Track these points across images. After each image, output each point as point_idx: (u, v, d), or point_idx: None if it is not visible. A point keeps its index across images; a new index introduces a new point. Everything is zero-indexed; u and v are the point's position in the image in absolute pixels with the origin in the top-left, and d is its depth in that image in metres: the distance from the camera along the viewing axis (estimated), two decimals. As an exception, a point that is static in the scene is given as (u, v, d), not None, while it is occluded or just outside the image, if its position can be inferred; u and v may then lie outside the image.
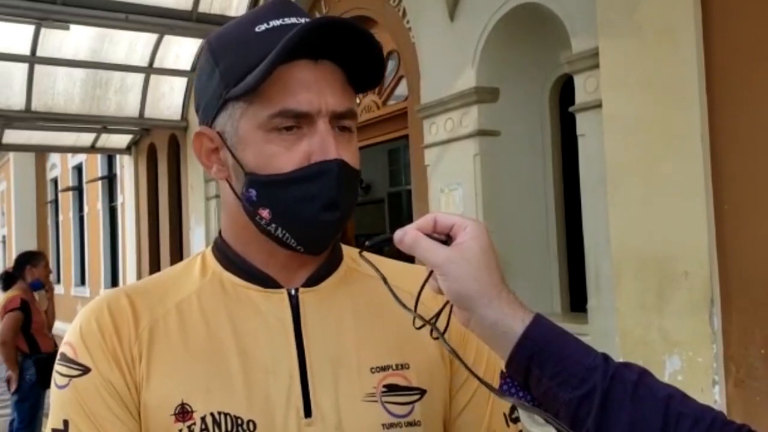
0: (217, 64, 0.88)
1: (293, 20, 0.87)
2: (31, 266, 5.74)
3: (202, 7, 6.92)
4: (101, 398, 0.84)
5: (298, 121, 0.85)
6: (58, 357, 0.89)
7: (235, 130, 0.87)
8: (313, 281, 0.93)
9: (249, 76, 0.83)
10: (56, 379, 0.87)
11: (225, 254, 0.94)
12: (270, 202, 0.87)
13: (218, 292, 0.92)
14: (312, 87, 0.85)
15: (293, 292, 0.91)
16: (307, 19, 0.87)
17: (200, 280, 0.93)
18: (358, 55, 0.87)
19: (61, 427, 0.85)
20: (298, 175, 0.85)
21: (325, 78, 0.86)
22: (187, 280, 0.94)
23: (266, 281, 0.92)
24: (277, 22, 0.86)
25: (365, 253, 0.88)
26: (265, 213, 0.87)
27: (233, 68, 0.86)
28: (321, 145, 0.85)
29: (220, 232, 0.97)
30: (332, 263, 0.96)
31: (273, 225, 0.87)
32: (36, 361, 5.53)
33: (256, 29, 0.86)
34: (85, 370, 0.86)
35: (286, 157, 0.85)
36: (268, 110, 0.84)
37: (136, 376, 0.86)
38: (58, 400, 0.86)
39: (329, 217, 0.86)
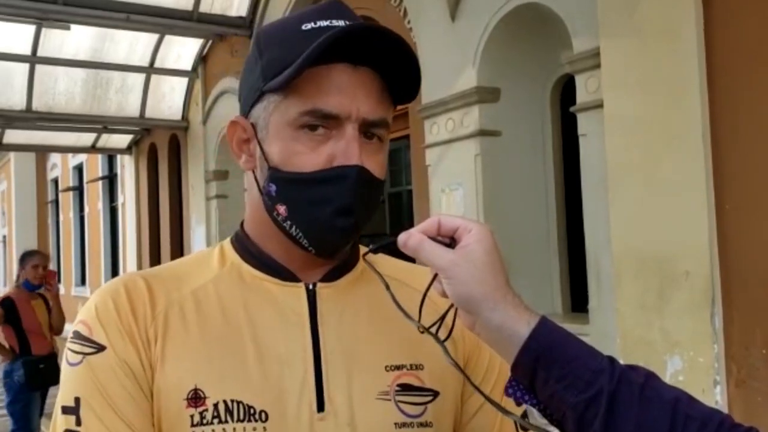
0: (260, 56, 0.89)
1: (341, 23, 0.87)
2: (20, 267, 5.74)
3: (203, 7, 6.92)
4: (116, 376, 0.84)
5: (327, 123, 0.85)
6: (70, 335, 0.88)
7: (266, 123, 0.88)
8: (331, 277, 0.93)
9: (283, 73, 0.84)
10: (68, 356, 0.87)
11: (244, 246, 0.95)
12: (288, 199, 0.87)
13: (236, 281, 0.92)
14: (346, 91, 0.85)
15: (311, 286, 0.92)
16: (355, 22, 0.88)
17: (218, 269, 0.94)
18: (397, 66, 0.87)
19: (71, 404, 0.84)
20: (316, 177, 0.85)
21: (362, 84, 0.86)
22: (204, 269, 0.94)
23: (285, 274, 0.92)
24: (324, 23, 0.87)
25: (368, 257, 0.88)
26: (282, 209, 0.88)
27: (273, 62, 0.86)
28: (345, 149, 0.85)
29: (242, 224, 0.98)
30: (350, 261, 0.96)
31: (288, 222, 0.88)
32: (24, 362, 5.50)
33: (303, 27, 0.87)
34: (100, 348, 0.85)
35: (309, 156, 0.85)
36: (299, 107, 0.85)
37: (151, 356, 0.86)
38: (69, 378, 0.86)
39: (342, 222, 0.86)
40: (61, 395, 0.86)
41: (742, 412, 2.81)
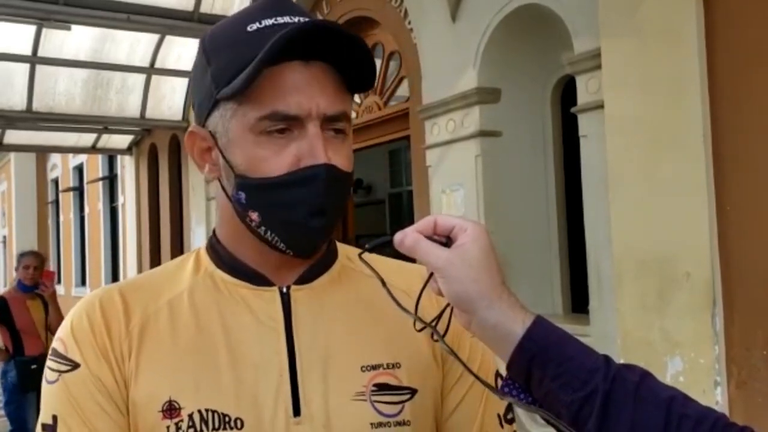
0: (209, 64, 0.87)
1: (286, 19, 0.85)
2: (16, 267, 5.78)
3: (204, 8, 6.91)
4: (90, 393, 0.85)
5: (288, 124, 0.84)
6: (50, 352, 0.89)
7: (225, 131, 0.87)
8: (305, 279, 0.93)
9: (237, 78, 0.82)
10: (47, 374, 0.87)
11: (218, 253, 0.94)
12: (259, 205, 0.86)
13: (210, 289, 0.92)
14: (303, 89, 0.84)
15: (285, 289, 0.91)
16: (301, 18, 0.86)
17: (193, 277, 0.93)
18: (350, 57, 0.85)
19: (50, 422, 0.85)
20: (285, 180, 0.84)
21: (317, 80, 0.85)
22: (180, 277, 0.94)
23: (258, 279, 0.91)
24: (269, 22, 0.85)
25: (365, 256, 0.87)
26: (254, 216, 0.87)
27: (224, 68, 0.85)
28: (310, 148, 0.84)
29: (214, 231, 0.97)
30: (326, 261, 0.95)
31: (262, 228, 0.87)
32: (17, 363, 5.51)
33: (248, 28, 0.85)
34: (75, 366, 0.86)
35: (275, 160, 0.84)
36: (258, 112, 0.84)
37: (125, 372, 0.86)
38: (47, 395, 0.87)
39: (316, 223, 0.86)
40: (42, 412, 0.87)
41: (742, 413, 2.81)
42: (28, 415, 5.59)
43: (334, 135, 0.87)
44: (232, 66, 0.84)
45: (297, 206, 0.85)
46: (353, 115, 6.17)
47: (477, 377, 0.80)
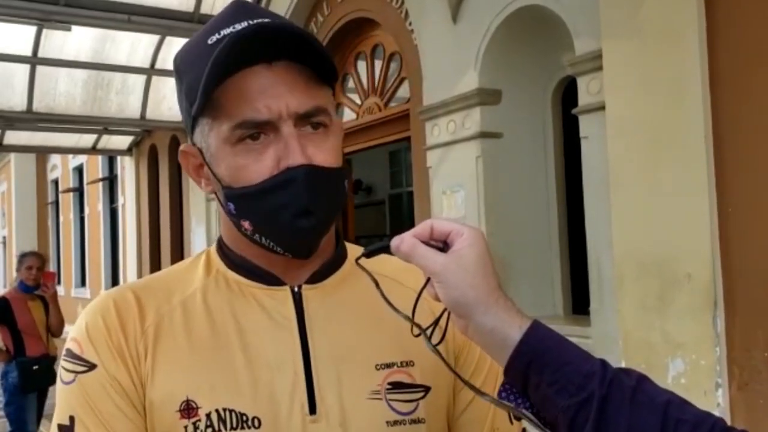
0: (181, 82, 0.89)
1: (244, 25, 0.85)
2: (17, 268, 5.78)
3: (204, 8, 6.91)
4: (107, 394, 0.85)
5: (262, 129, 0.84)
6: (63, 353, 0.89)
7: (208, 146, 0.87)
8: (316, 278, 0.93)
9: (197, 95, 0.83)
10: (62, 375, 0.87)
11: (227, 255, 0.95)
12: (247, 213, 0.87)
13: (223, 289, 0.92)
14: (269, 91, 0.83)
15: (296, 289, 0.92)
16: (260, 19, 0.85)
17: (205, 277, 0.94)
18: (306, 52, 0.85)
19: (67, 422, 0.85)
20: (266, 186, 0.84)
21: (283, 79, 0.84)
22: (191, 277, 0.95)
23: (269, 279, 0.92)
24: (227, 31, 0.85)
25: (362, 261, 0.87)
26: (246, 224, 0.88)
27: (191, 86, 0.85)
28: (287, 150, 0.83)
29: (221, 236, 0.98)
30: (336, 261, 0.96)
31: (257, 235, 0.88)
32: (18, 363, 5.50)
33: (209, 41, 0.85)
34: (91, 367, 0.86)
35: (255, 168, 0.84)
36: (230, 123, 0.84)
37: (141, 372, 0.86)
38: (63, 396, 0.87)
39: (304, 223, 0.85)
40: (57, 413, 0.87)
41: (744, 415, 2.80)
42: (28, 417, 5.58)
43: (313, 131, 0.86)
44: (196, 82, 0.83)
45: (282, 210, 0.85)
46: (353, 116, 6.19)
47: (471, 386, 0.80)
